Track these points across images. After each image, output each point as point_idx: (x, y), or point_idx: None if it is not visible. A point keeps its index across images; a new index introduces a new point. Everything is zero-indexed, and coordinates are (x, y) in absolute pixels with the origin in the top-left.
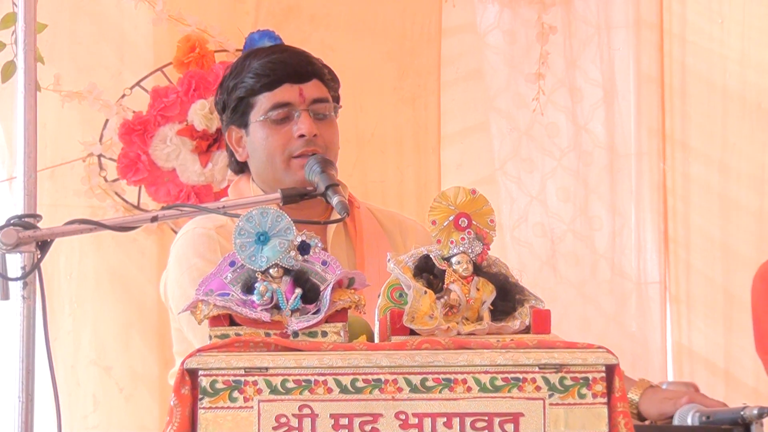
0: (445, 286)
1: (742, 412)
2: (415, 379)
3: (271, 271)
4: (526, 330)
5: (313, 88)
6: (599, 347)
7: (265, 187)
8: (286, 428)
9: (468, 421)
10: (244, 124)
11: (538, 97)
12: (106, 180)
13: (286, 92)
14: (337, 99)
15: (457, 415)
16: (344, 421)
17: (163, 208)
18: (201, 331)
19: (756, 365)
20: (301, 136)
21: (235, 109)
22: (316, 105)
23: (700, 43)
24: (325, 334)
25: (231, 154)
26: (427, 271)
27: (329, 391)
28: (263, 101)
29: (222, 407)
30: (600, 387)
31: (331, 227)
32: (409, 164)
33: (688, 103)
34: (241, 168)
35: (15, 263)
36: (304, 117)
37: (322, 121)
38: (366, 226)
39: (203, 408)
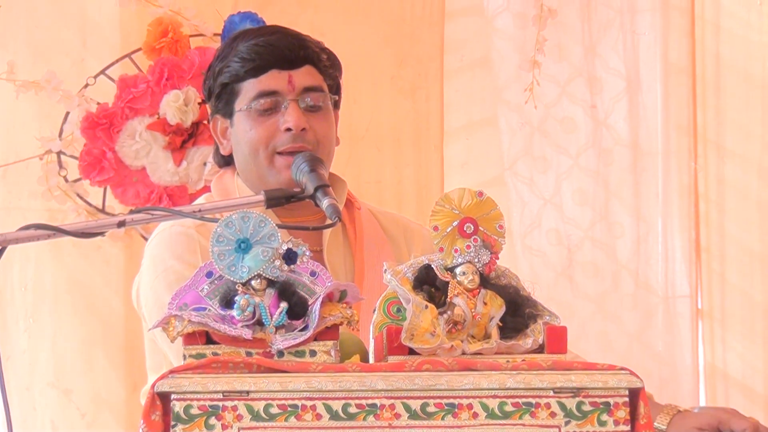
0: (448, 299)
1: None
2: (415, 404)
3: (253, 282)
4: (540, 349)
5: (304, 76)
6: (622, 368)
7: (249, 184)
8: None
9: None
10: (228, 114)
11: (531, 87)
12: (66, 180)
13: (273, 79)
14: (336, 89)
15: None
16: None
17: (131, 212)
18: (178, 344)
19: None
20: (288, 129)
21: (220, 96)
22: (307, 94)
23: (736, 30)
24: (313, 353)
25: (216, 146)
26: (429, 283)
27: (318, 417)
28: (248, 88)
29: None
30: (622, 413)
31: (327, 231)
32: (408, 163)
33: (723, 98)
34: (226, 161)
35: None
36: (292, 108)
37: (313, 114)
38: (367, 230)
39: None
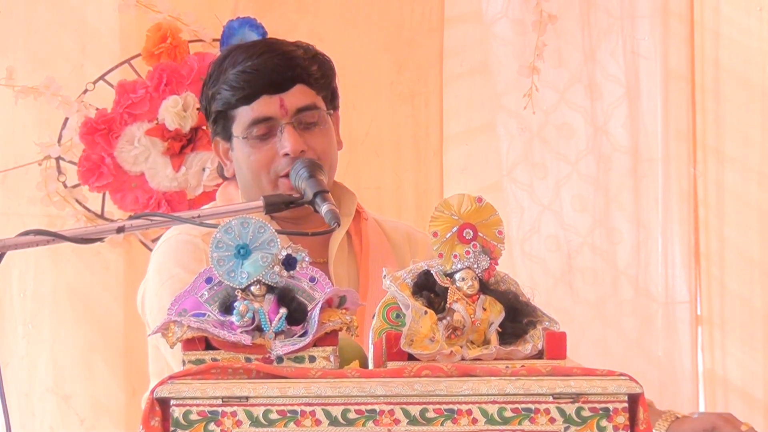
0: (447, 305)
1: None
2: (414, 410)
3: (252, 288)
4: (539, 355)
5: (296, 97)
6: (621, 374)
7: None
8: None
9: None
10: (227, 137)
11: (530, 93)
12: (65, 186)
13: (265, 105)
14: (331, 97)
15: None
16: None
17: (130, 218)
18: (179, 351)
19: None
20: (286, 155)
21: (216, 120)
22: (301, 115)
23: (736, 36)
24: (312, 359)
25: (219, 163)
26: (428, 289)
27: (317, 423)
28: (242, 115)
29: None
30: (622, 419)
31: (335, 241)
32: (407, 168)
33: (722, 105)
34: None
35: None
36: (287, 132)
37: (310, 132)
38: (373, 241)
39: None
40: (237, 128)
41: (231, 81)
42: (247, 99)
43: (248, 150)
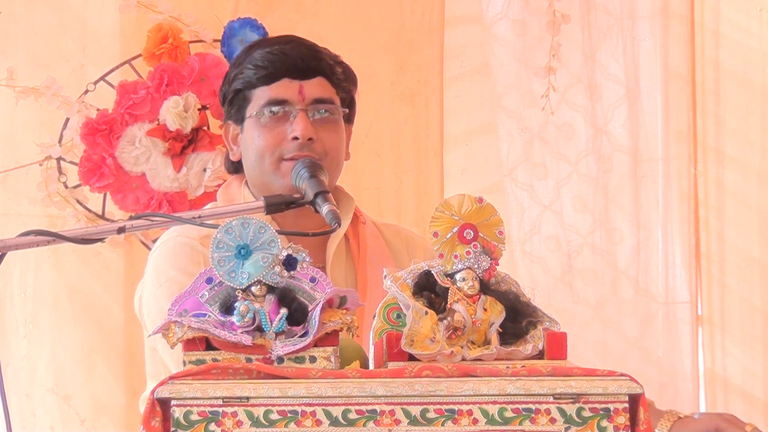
0: (448, 305)
1: None
2: (415, 410)
3: (253, 288)
4: (540, 355)
5: (315, 87)
6: (621, 374)
7: (256, 191)
8: None
9: None
10: (240, 120)
11: (548, 93)
12: (66, 186)
13: (285, 88)
14: (349, 102)
15: None
16: None
17: (130, 218)
18: (177, 352)
19: None
20: (295, 138)
21: (232, 102)
22: (317, 106)
23: (736, 36)
24: (313, 359)
25: (227, 152)
26: (428, 289)
27: (318, 423)
28: (260, 95)
29: None
30: (622, 419)
31: (332, 244)
32: (407, 169)
33: (722, 105)
34: (235, 168)
35: None
36: (300, 118)
37: (322, 125)
38: (371, 244)
39: None
40: (251, 108)
41: (256, 60)
42: (268, 79)
43: (258, 130)
